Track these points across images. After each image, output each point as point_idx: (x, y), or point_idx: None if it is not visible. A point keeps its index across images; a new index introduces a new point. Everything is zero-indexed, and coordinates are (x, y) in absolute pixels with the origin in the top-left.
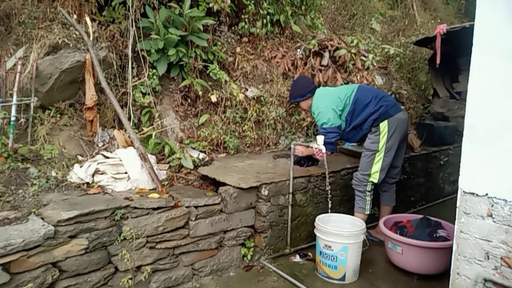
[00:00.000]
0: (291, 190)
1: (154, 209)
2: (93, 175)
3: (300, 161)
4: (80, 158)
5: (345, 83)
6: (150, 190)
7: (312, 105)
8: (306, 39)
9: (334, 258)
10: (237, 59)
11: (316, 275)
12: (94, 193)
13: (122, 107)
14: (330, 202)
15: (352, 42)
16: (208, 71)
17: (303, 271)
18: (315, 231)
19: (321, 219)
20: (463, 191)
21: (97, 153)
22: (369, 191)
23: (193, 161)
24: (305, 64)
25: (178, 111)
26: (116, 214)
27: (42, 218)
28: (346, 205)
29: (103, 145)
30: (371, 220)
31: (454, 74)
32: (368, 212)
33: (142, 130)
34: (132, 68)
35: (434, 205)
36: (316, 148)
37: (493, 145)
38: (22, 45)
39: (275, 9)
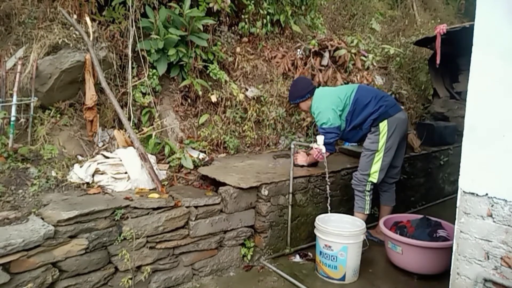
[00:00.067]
0: (291, 190)
1: (154, 209)
2: (93, 175)
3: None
4: (80, 158)
5: (345, 83)
6: (150, 190)
7: (312, 105)
8: (306, 39)
9: (334, 258)
10: (237, 59)
11: (316, 275)
12: (94, 193)
13: (122, 107)
14: (330, 202)
15: (352, 42)
16: (208, 71)
17: (303, 271)
18: (315, 231)
19: (321, 219)
20: (463, 191)
21: (97, 153)
22: (368, 191)
23: (193, 161)
24: (305, 64)
25: (178, 111)
26: (116, 214)
27: (42, 218)
28: (346, 205)
29: (103, 145)
30: (371, 220)
31: (454, 74)
32: (367, 212)
33: (142, 130)
34: (132, 68)
35: (434, 205)
36: (316, 148)
37: (493, 145)
38: (22, 45)
39: (275, 9)
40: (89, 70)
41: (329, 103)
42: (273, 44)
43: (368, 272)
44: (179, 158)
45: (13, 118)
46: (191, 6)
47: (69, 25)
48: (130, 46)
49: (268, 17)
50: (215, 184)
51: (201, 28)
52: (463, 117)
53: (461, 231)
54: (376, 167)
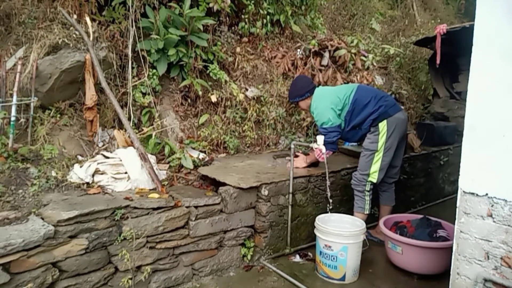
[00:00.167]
0: (291, 190)
1: (154, 209)
2: (93, 175)
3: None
4: (80, 158)
5: (345, 83)
6: (150, 190)
7: (312, 104)
8: (306, 39)
9: (334, 258)
10: (237, 59)
11: (316, 275)
12: (94, 193)
13: (122, 107)
14: (330, 202)
15: (352, 42)
16: (208, 71)
17: (303, 271)
18: (315, 231)
19: (321, 219)
20: (463, 191)
21: (97, 153)
22: (368, 191)
23: (193, 161)
24: (305, 64)
25: (178, 111)
26: (116, 214)
27: (42, 218)
28: (346, 205)
29: (103, 145)
30: (371, 220)
31: (454, 74)
32: (367, 212)
33: (142, 130)
34: (132, 68)
35: (434, 205)
36: (316, 148)
37: (493, 145)
38: (22, 45)
39: (275, 9)
40: (89, 70)
41: (328, 102)
42: (273, 44)
43: (368, 272)
44: (179, 158)
45: (13, 118)
46: (191, 6)
47: (69, 25)
48: (130, 46)
49: (268, 17)
50: (215, 184)
51: (201, 28)
52: (463, 117)
53: (461, 231)
54: (375, 167)
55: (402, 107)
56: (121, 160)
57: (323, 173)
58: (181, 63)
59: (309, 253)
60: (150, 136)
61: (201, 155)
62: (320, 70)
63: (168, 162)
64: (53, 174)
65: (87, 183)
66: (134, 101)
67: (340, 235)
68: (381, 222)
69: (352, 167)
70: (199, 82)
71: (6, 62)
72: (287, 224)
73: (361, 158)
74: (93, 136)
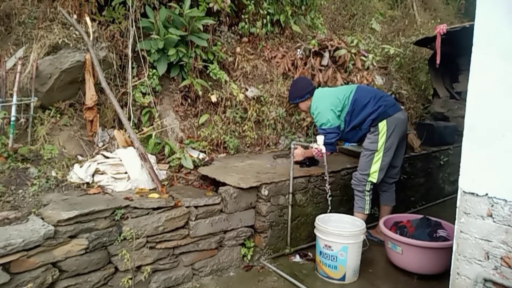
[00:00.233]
0: (291, 190)
1: (154, 209)
2: (93, 175)
3: (301, 162)
4: (80, 158)
5: (345, 83)
6: (150, 190)
7: (311, 106)
8: (306, 39)
9: (334, 258)
10: (237, 59)
11: (316, 275)
12: (94, 193)
13: (122, 107)
14: (330, 202)
15: (352, 42)
16: (208, 71)
17: (303, 271)
18: (315, 231)
19: (321, 219)
20: (463, 191)
21: (97, 153)
22: (368, 191)
23: (193, 161)
24: (305, 64)
25: (178, 111)
26: (116, 214)
27: (42, 218)
28: (346, 205)
29: (103, 145)
30: (371, 220)
31: (454, 74)
32: (367, 212)
33: (142, 130)
34: (132, 68)
35: (434, 205)
36: (316, 148)
37: (493, 145)
38: (22, 45)
39: (275, 9)
40: (89, 70)
41: (328, 103)
42: (273, 44)
43: (368, 272)
44: (179, 158)
45: (13, 118)
46: (191, 6)
47: (69, 25)
48: (130, 46)
49: (268, 17)
50: (215, 184)
51: (201, 28)
52: (463, 117)
53: (461, 231)
54: (375, 167)
55: (402, 107)
56: (121, 160)
57: (323, 173)
58: (181, 63)
59: (309, 253)
60: (150, 136)
61: (201, 155)
62: (320, 70)
63: (168, 162)
64: (53, 174)
65: (87, 183)
66: (134, 101)
67: (340, 235)
68: (381, 222)
69: (352, 167)
70: (199, 82)
71: (6, 62)
72: (287, 224)
73: (361, 158)
74: (93, 136)
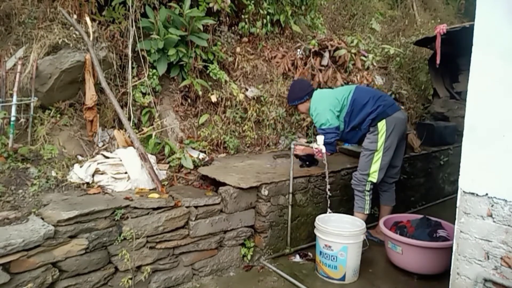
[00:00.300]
0: (291, 190)
1: (154, 209)
2: (93, 175)
3: (301, 158)
4: (80, 158)
5: (345, 83)
6: (150, 190)
7: (311, 107)
8: (306, 39)
9: (334, 258)
10: (237, 59)
11: (316, 275)
12: (94, 193)
13: (122, 107)
14: (329, 202)
15: (352, 42)
16: (208, 71)
17: (303, 271)
18: (315, 231)
19: (321, 219)
20: (463, 191)
21: (97, 153)
22: (368, 191)
23: (193, 161)
24: (305, 64)
25: (178, 111)
26: (116, 214)
27: (42, 218)
28: (346, 205)
29: (103, 145)
30: (371, 220)
31: (454, 74)
32: (367, 212)
33: (142, 130)
34: (132, 68)
35: (434, 205)
36: (316, 148)
37: (493, 145)
38: (22, 45)
39: (275, 9)
40: (89, 70)
41: (327, 104)
42: (273, 44)
43: (368, 272)
44: (179, 158)
45: (13, 118)
46: (191, 6)
47: (69, 25)
48: (130, 46)
49: (268, 17)
50: (215, 184)
51: (201, 28)
52: (463, 117)
53: (461, 231)
54: (375, 166)
55: (402, 107)
56: (121, 160)
57: (323, 173)
58: (181, 63)
59: (309, 253)
60: (150, 136)
61: (201, 155)
62: (320, 70)
63: (168, 162)
64: (53, 174)
65: (87, 183)
66: (134, 101)
67: (340, 235)
68: (381, 222)
69: (352, 167)
70: (199, 82)
71: (6, 62)
72: (287, 224)
73: (361, 158)
74: (93, 136)
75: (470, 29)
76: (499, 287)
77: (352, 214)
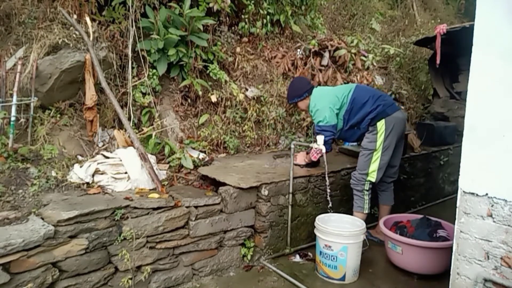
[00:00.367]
0: (291, 190)
1: (154, 209)
2: (93, 175)
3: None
4: (80, 158)
5: (345, 83)
6: (150, 190)
7: (310, 104)
8: (306, 39)
9: (334, 258)
10: (237, 59)
11: (316, 275)
12: (94, 193)
13: (122, 107)
14: (330, 202)
15: (352, 42)
16: (208, 71)
17: (303, 271)
18: (315, 231)
19: (321, 219)
20: (463, 191)
21: (97, 153)
22: (367, 190)
23: (193, 161)
24: (305, 64)
25: (178, 111)
26: (116, 214)
27: (42, 218)
28: (346, 205)
29: (103, 145)
30: (371, 220)
31: (454, 74)
32: (366, 211)
33: (142, 130)
34: (132, 68)
35: (434, 205)
36: (316, 148)
37: (493, 145)
38: (22, 45)
39: (275, 9)
40: (89, 70)
41: (326, 102)
42: (273, 44)
43: (368, 272)
44: (179, 158)
45: (13, 118)
46: (191, 6)
47: (69, 25)
48: (130, 46)
49: (268, 17)
50: (215, 184)
51: (201, 28)
52: (463, 117)
53: (461, 231)
54: (374, 166)
55: (402, 107)
56: (121, 160)
57: (323, 173)
58: (181, 63)
59: (309, 253)
60: (150, 136)
61: (201, 155)
62: (320, 70)
63: (168, 162)
64: (53, 174)
65: (87, 183)
66: (134, 101)
67: (340, 235)
68: (381, 222)
69: (352, 167)
70: (199, 82)
71: (6, 62)
72: (287, 224)
73: (359, 157)
74: (93, 136)
75: (470, 29)
76: (499, 287)
77: (352, 214)
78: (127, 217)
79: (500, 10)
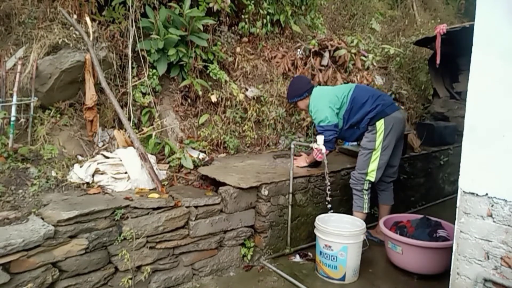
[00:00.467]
0: (291, 190)
1: (154, 209)
2: (93, 175)
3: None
4: (80, 158)
5: (345, 83)
6: (150, 190)
7: (310, 104)
8: (306, 39)
9: (334, 258)
10: (237, 59)
11: (316, 275)
12: (94, 193)
13: (122, 107)
14: (329, 202)
15: (352, 42)
16: (208, 71)
17: (303, 271)
18: (315, 231)
19: (321, 219)
20: (463, 191)
21: (97, 153)
22: (366, 190)
23: (193, 161)
24: (305, 64)
25: (178, 111)
26: (116, 214)
27: (42, 218)
28: (346, 205)
29: (103, 145)
30: (371, 220)
31: (454, 74)
32: (366, 211)
33: (142, 130)
34: (132, 68)
35: (434, 205)
36: (316, 148)
37: (493, 145)
38: (22, 45)
39: (275, 9)
40: (89, 70)
41: (326, 101)
42: (273, 44)
43: (368, 272)
44: (179, 158)
45: (13, 118)
46: (191, 6)
47: (69, 25)
48: (130, 46)
49: (268, 17)
50: (215, 184)
51: (201, 28)
52: (463, 117)
53: (461, 231)
54: (373, 165)
55: (402, 107)
56: (121, 160)
57: (323, 173)
58: (181, 63)
59: (309, 253)
60: (150, 136)
61: (201, 155)
62: (320, 70)
63: (168, 162)
64: (53, 174)
65: (87, 183)
66: (134, 101)
67: (340, 235)
68: (381, 222)
69: (352, 167)
70: (199, 82)
71: (6, 62)
72: (287, 224)
73: (359, 157)
74: (93, 136)
75: (470, 29)
76: (499, 287)
77: (351, 214)
78: (127, 217)
79: (500, 10)
